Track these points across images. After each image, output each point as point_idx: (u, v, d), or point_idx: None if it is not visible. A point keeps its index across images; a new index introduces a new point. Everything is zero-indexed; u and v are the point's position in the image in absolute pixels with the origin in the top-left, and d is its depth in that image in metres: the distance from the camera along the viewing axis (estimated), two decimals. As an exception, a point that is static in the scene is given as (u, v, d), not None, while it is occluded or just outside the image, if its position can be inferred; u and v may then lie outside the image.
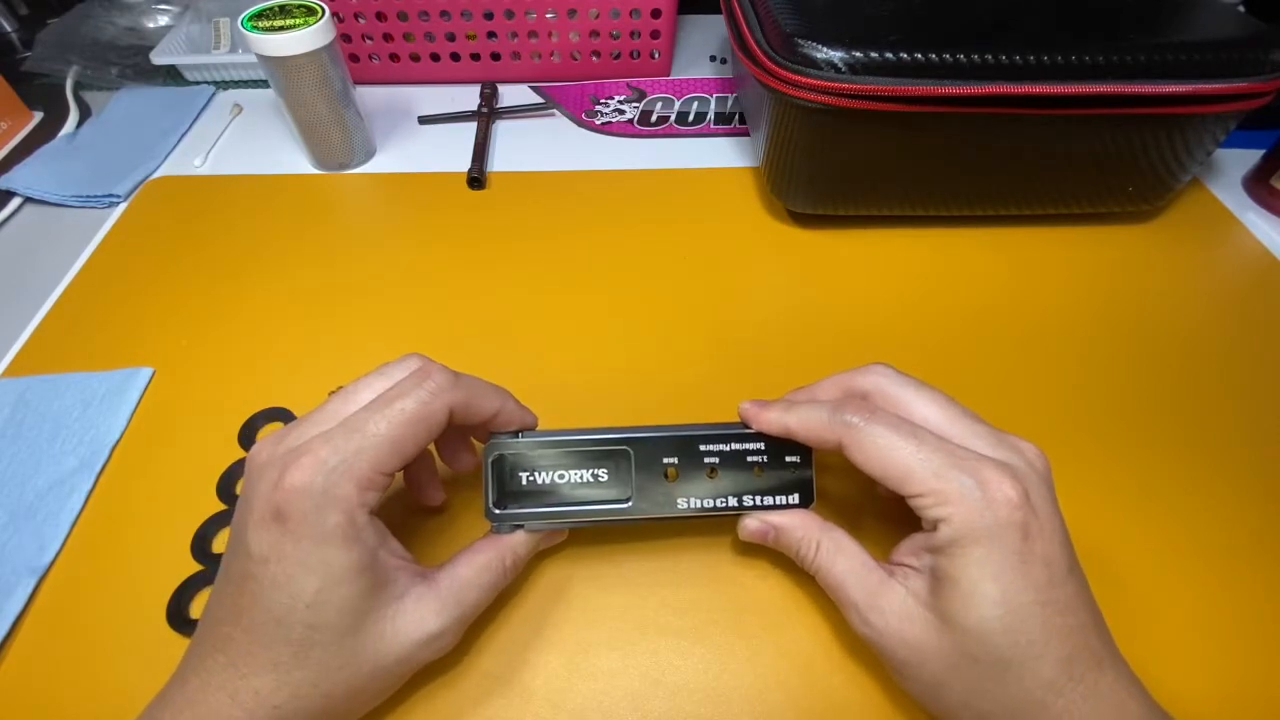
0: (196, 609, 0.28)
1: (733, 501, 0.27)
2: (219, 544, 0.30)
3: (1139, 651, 0.25)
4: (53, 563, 0.30)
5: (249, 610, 0.21)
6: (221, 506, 0.31)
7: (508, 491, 0.26)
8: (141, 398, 0.36)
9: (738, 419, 0.28)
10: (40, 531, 0.30)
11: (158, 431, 0.35)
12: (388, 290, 0.41)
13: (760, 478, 0.27)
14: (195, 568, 0.29)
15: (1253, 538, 0.31)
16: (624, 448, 0.26)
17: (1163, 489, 0.32)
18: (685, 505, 0.26)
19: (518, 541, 0.26)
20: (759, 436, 0.27)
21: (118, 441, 0.34)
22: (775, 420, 0.26)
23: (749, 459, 0.27)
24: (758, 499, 0.27)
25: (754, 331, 0.39)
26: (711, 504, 0.26)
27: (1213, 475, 0.33)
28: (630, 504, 0.26)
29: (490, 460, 0.26)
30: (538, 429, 0.28)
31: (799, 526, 0.26)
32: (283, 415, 0.35)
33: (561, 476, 0.26)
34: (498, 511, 0.26)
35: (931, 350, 0.38)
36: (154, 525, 0.31)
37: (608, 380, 0.36)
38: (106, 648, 0.28)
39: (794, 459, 0.27)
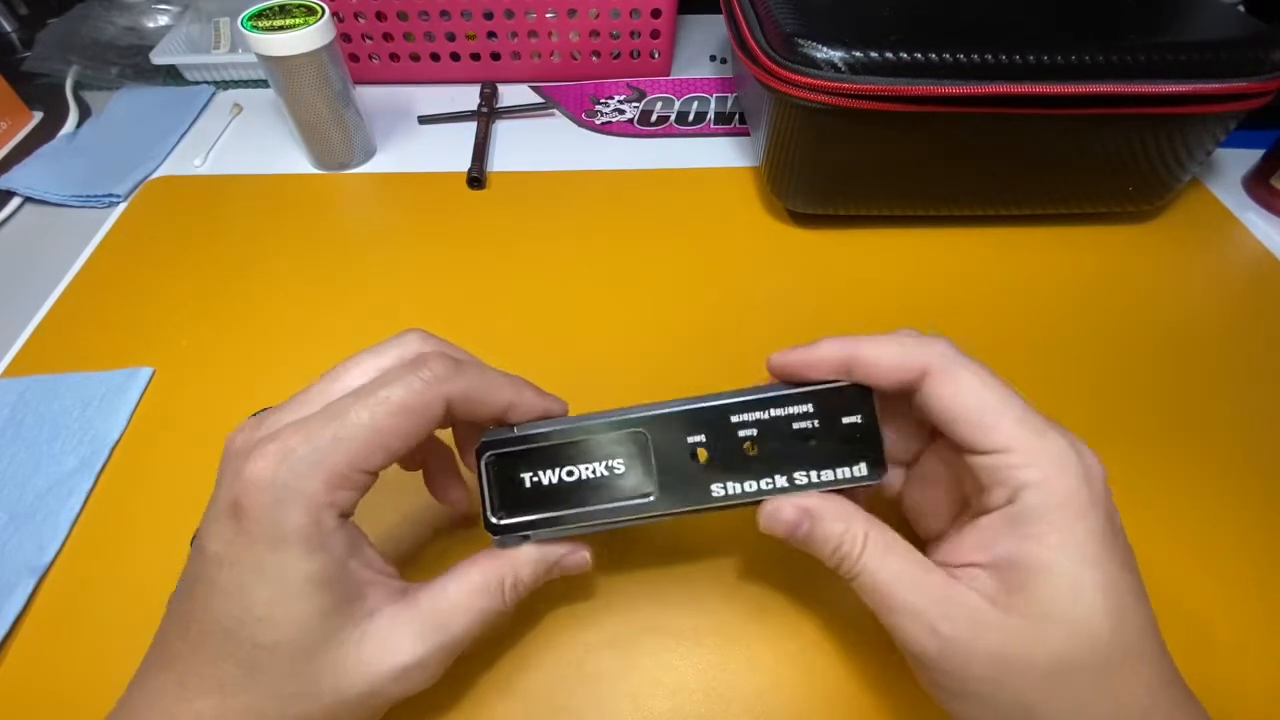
0: (196, 609, 0.28)
1: (781, 481, 0.22)
2: (219, 544, 0.30)
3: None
4: (52, 563, 0.30)
5: (198, 620, 0.19)
6: (221, 506, 0.31)
7: (509, 497, 0.22)
8: (141, 398, 0.36)
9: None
10: (40, 531, 0.30)
11: (158, 431, 0.35)
12: (387, 290, 0.41)
13: (813, 447, 0.22)
14: (195, 568, 0.29)
15: (1254, 537, 0.30)
16: (638, 429, 0.22)
17: (1162, 488, 0.32)
18: (722, 492, 0.22)
19: (522, 560, 0.22)
20: (804, 396, 0.22)
21: (117, 441, 0.34)
22: (835, 352, 0.22)
23: (795, 425, 0.22)
24: (814, 474, 0.22)
25: (754, 331, 0.39)
26: (755, 487, 0.22)
27: (1213, 474, 0.33)
28: (653, 498, 0.22)
29: (484, 461, 0.22)
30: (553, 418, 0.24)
31: (840, 516, 0.21)
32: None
33: (570, 474, 0.22)
34: (497, 521, 0.22)
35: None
36: (154, 525, 0.31)
37: (607, 380, 0.36)
38: (106, 648, 0.28)
39: (853, 419, 0.22)
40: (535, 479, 0.22)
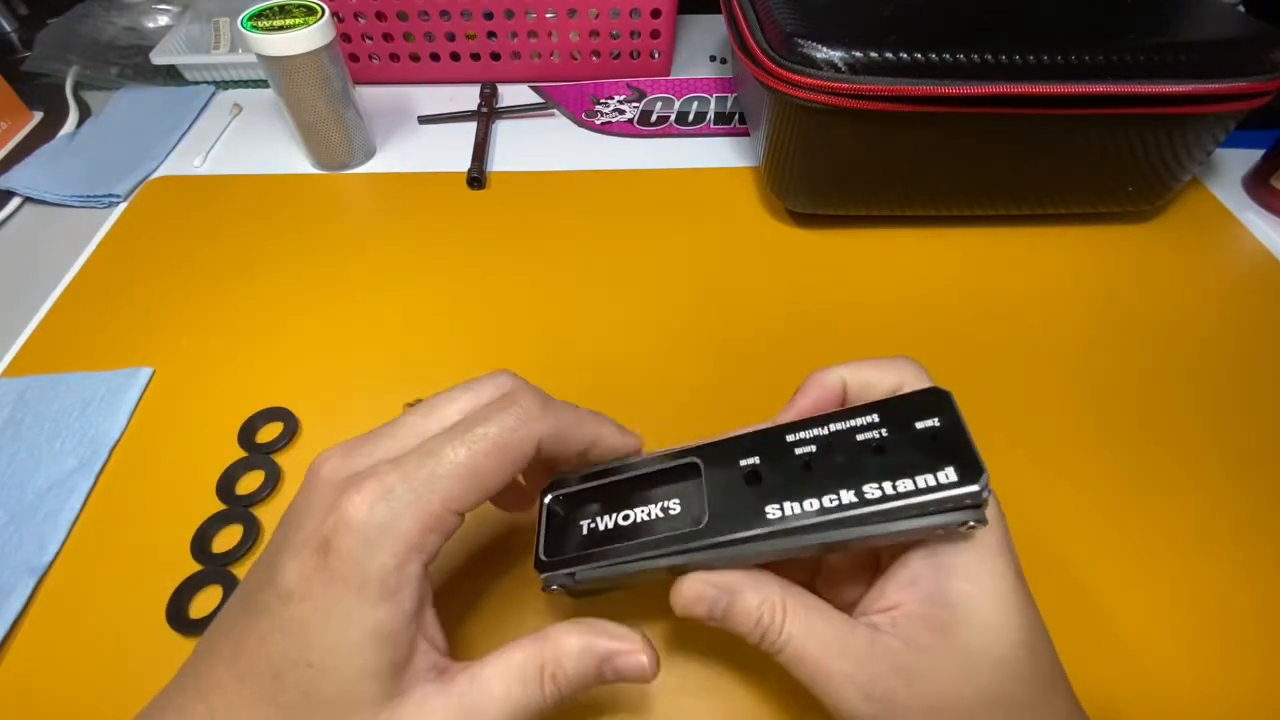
0: (196, 609, 0.28)
1: (848, 496, 0.18)
2: (219, 544, 0.30)
3: (1141, 650, 0.25)
4: (52, 563, 0.30)
5: (251, 653, 0.18)
6: (221, 506, 0.31)
7: (564, 541, 0.22)
8: (141, 398, 0.36)
9: (739, 421, 0.22)
10: (40, 531, 0.30)
11: (158, 431, 0.35)
12: (387, 289, 0.41)
13: (884, 458, 0.18)
14: (195, 568, 0.29)
15: (1255, 536, 0.30)
16: (691, 460, 0.21)
17: (1161, 488, 0.32)
18: (778, 513, 0.19)
19: (566, 649, 0.19)
20: (870, 408, 0.19)
21: (117, 441, 0.34)
22: (825, 386, 0.21)
23: (860, 437, 0.19)
24: (888, 485, 0.18)
25: (754, 331, 0.39)
26: (816, 505, 0.18)
27: (1212, 474, 0.33)
28: (704, 526, 0.20)
29: (547, 501, 0.22)
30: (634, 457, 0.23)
31: (756, 585, 0.20)
32: (283, 415, 0.35)
33: (626, 518, 0.21)
34: (545, 559, 0.22)
35: (931, 350, 0.38)
36: (154, 525, 0.31)
37: (607, 380, 0.36)
38: (106, 648, 0.28)
39: (929, 422, 0.18)
40: (593, 525, 0.22)
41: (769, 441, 0.20)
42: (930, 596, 0.19)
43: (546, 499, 0.22)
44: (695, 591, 0.20)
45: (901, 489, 0.18)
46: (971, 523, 0.18)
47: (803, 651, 0.19)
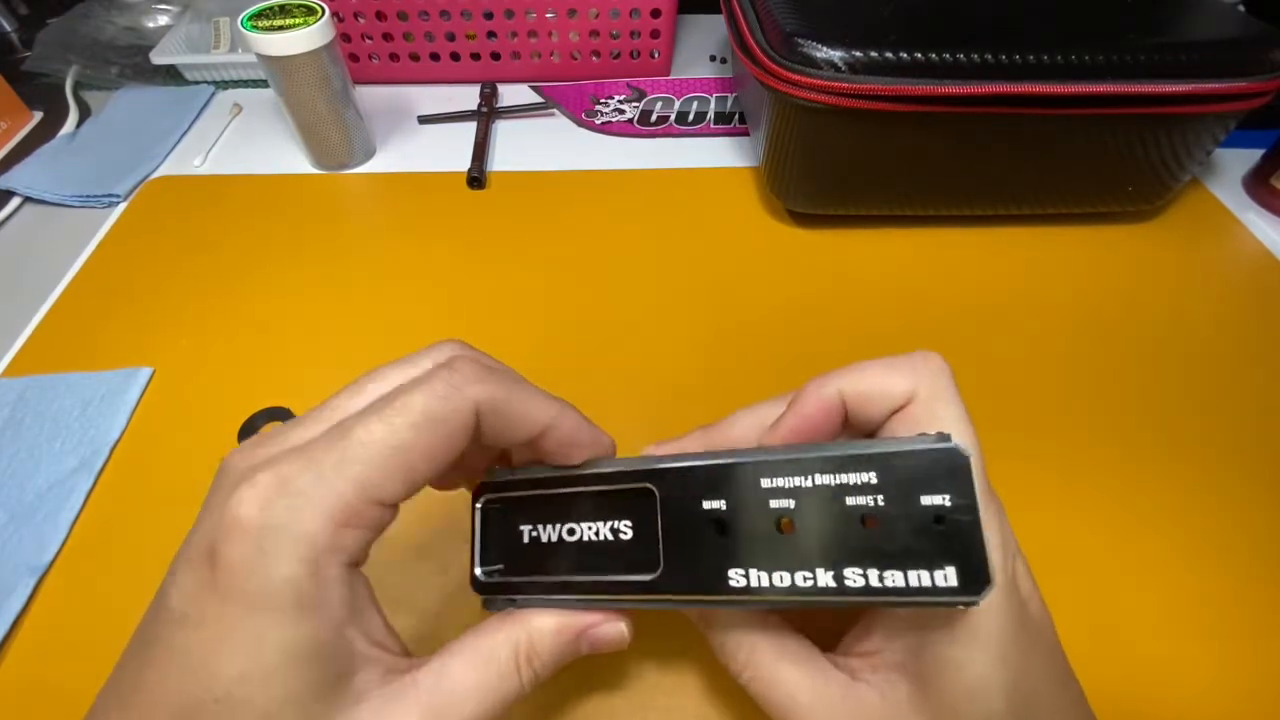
0: (196, 609, 0.28)
1: (825, 579, 0.15)
2: (219, 544, 0.30)
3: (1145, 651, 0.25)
4: (52, 562, 0.30)
5: (147, 692, 0.15)
6: (221, 506, 0.31)
7: (503, 550, 0.19)
8: (141, 398, 0.36)
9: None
10: (40, 531, 0.30)
11: (158, 431, 0.35)
12: (387, 289, 0.41)
13: (873, 535, 0.15)
14: (195, 568, 0.29)
15: (1255, 536, 0.30)
16: (645, 485, 0.18)
17: (1160, 488, 0.32)
18: (741, 583, 0.16)
19: (540, 628, 0.18)
20: (869, 460, 0.16)
21: (117, 441, 0.34)
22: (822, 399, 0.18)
23: (850, 500, 0.16)
24: (874, 574, 0.15)
25: (754, 331, 0.39)
26: (788, 582, 0.16)
27: (1212, 474, 0.33)
28: (654, 577, 0.17)
29: (480, 504, 0.19)
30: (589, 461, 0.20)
31: (722, 623, 0.19)
32: (283, 415, 0.35)
33: (571, 532, 0.18)
34: (483, 578, 0.19)
35: (931, 350, 0.38)
36: (153, 525, 0.31)
37: (607, 380, 0.36)
38: (106, 648, 0.27)
39: (937, 500, 0.15)
40: (534, 534, 0.19)
41: (740, 483, 0.17)
42: (913, 648, 0.17)
43: (480, 501, 0.19)
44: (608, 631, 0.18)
45: (889, 584, 0.15)
46: (961, 606, 0.15)
47: (770, 691, 0.18)
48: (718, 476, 0.17)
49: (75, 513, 0.31)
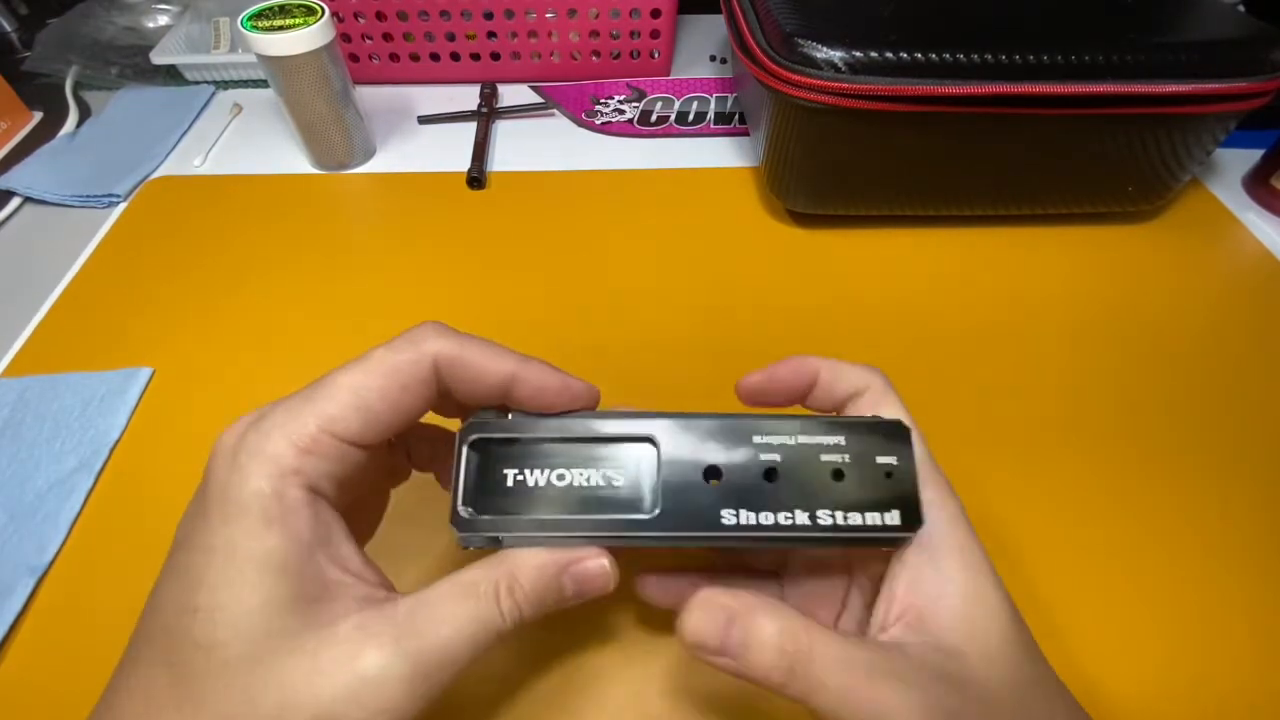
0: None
1: (802, 518, 0.19)
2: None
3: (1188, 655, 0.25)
4: (52, 563, 0.30)
5: (152, 604, 0.17)
6: (221, 506, 0.31)
7: (487, 492, 0.19)
8: (141, 398, 0.36)
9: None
10: (40, 531, 0.30)
11: (157, 431, 0.35)
12: (387, 289, 0.41)
13: (841, 485, 0.19)
14: (195, 568, 0.29)
15: (1257, 536, 0.30)
16: (647, 437, 0.20)
17: (1160, 488, 0.32)
18: (733, 521, 0.19)
19: (522, 562, 0.18)
20: (837, 426, 0.20)
21: (117, 441, 0.34)
22: (795, 370, 0.22)
23: (824, 458, 0.19)
24: (840, 515, 0.19)
25: (753, 331, 0.39)
26: (772, 520, 0.19)
27: (1212, 474, 0.33)
28: (653, 517, 0.19)
29: (466, 444, 0.19)
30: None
31: (770, 609, 0.18)
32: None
33: (561, 477, 0.19)
34: (465, 515, 0.19)
35: (931, 350, 0.38)
36: (154, 525, 0.31)
37: (607, 380, 0.36)
38: (106, 648, 0.27)
39: (888, 460, 0.19)
40: (520, 477, 0.19)
41: (735, 436, 0.20)
42: (928, 593, 0.19)
43: (467, 441, 0.19)
44: (704, 623, 0.18)
45: (851, 522, 0.19)
46: (903, 539, 0.20)
47: (824, 681, 0.17)
48: (714, 430, 0.20)
49: (75, 513, 0.31)
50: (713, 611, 0.18)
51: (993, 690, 0.18)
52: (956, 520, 0.20)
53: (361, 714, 0.16)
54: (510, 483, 0.19)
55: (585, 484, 0.19)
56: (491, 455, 0.19)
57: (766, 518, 0.19)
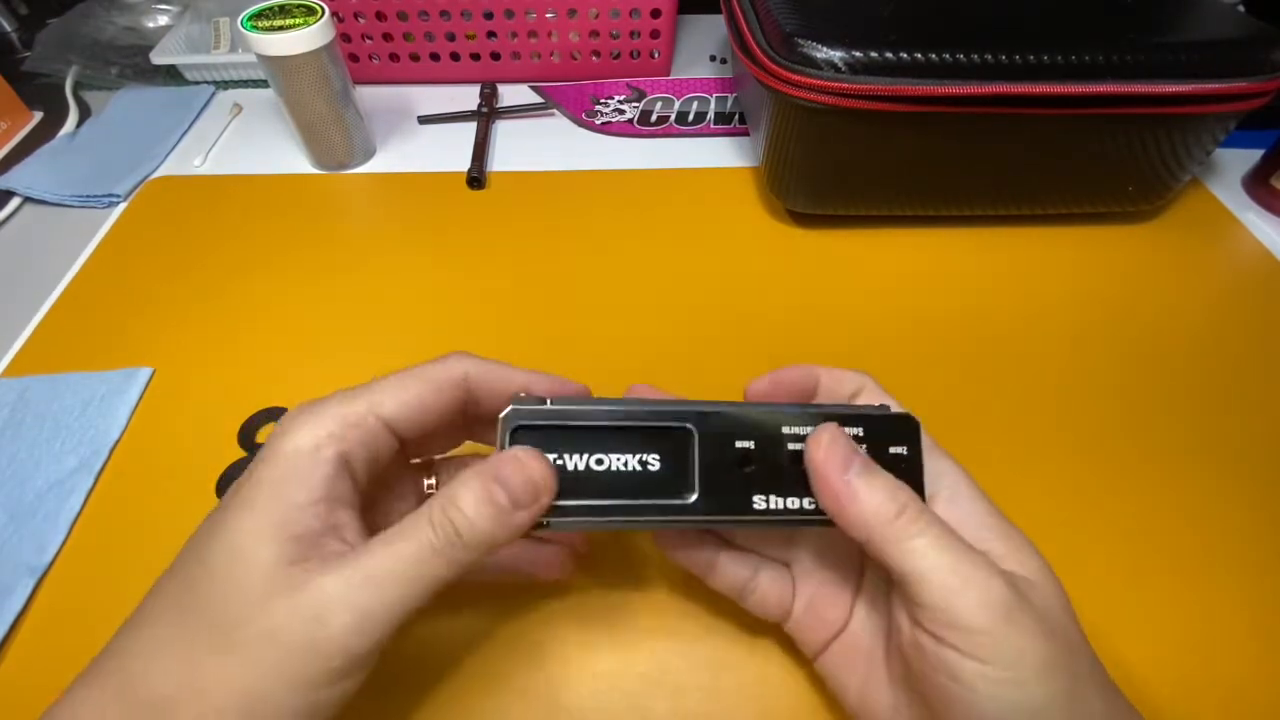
0: (196, 609, 0.28)
1: None
2: (219, 544, 0.30)
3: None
4: (52, 563, 0.30)
5: (185, 546, 0.20)
6: (221, 506, 0.31)
7: None
8: (141, 398, 0.36)
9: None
10: (40, 531, 0.30)
11: (157, 431, 0.35)
12: (387, 289, 0.41)
13: None
14: (195, 568, 0.29)
15: (1259, 536, 0.30)
16: (685, 425, 0.20)
17: (1160, 489, 0.32)
18: (764, 505, 0.20)
19: (460, 481, 0.19)
20: (856, 418, 0.21)
21: (117, 441, 0.34)
22: (799, 376, 0.24)
23: None
24: None
25: (753, 331, 0.39)
26: (798, 504, 0.21)
27: (1212, 475, 0.33)
28: (693, 501, 0.20)
29: (509, 431, 0.20)
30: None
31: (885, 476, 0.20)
32: (282, 415, 0.35)
33: (600, 462, 0.20)
34: None
35: (931, 350, 0.38)
36: (153, 525, 0.31)
37: (606, 380, 0.36)
38: (106, 648, 0.28)
39: (899, 449, 0.21)
40: (560, 462, 0.20)
41: (767, 428, 0.21)
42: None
43: (509, 429, 0.20)
44: (841, 445, 0.20)
45: None
46: None
47: (940, 540, 0.18)
48: (749, 421, 0.21)
49: (75, 513, 0.31)
50: (846, 439, 0.20)
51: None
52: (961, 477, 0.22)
53: (300, 628, 0.18)
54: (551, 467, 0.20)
55: (623, 468, 0.20)
56: (533, 441, 0.20)
57: (793, 502, 0.20)
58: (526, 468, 0.19)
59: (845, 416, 0.21)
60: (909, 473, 0.21)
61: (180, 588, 0.19)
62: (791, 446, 0.21)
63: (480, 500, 0.19)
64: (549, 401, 0.20)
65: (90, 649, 0.28)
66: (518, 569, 0.25)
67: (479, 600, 0.28)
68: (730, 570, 0.24)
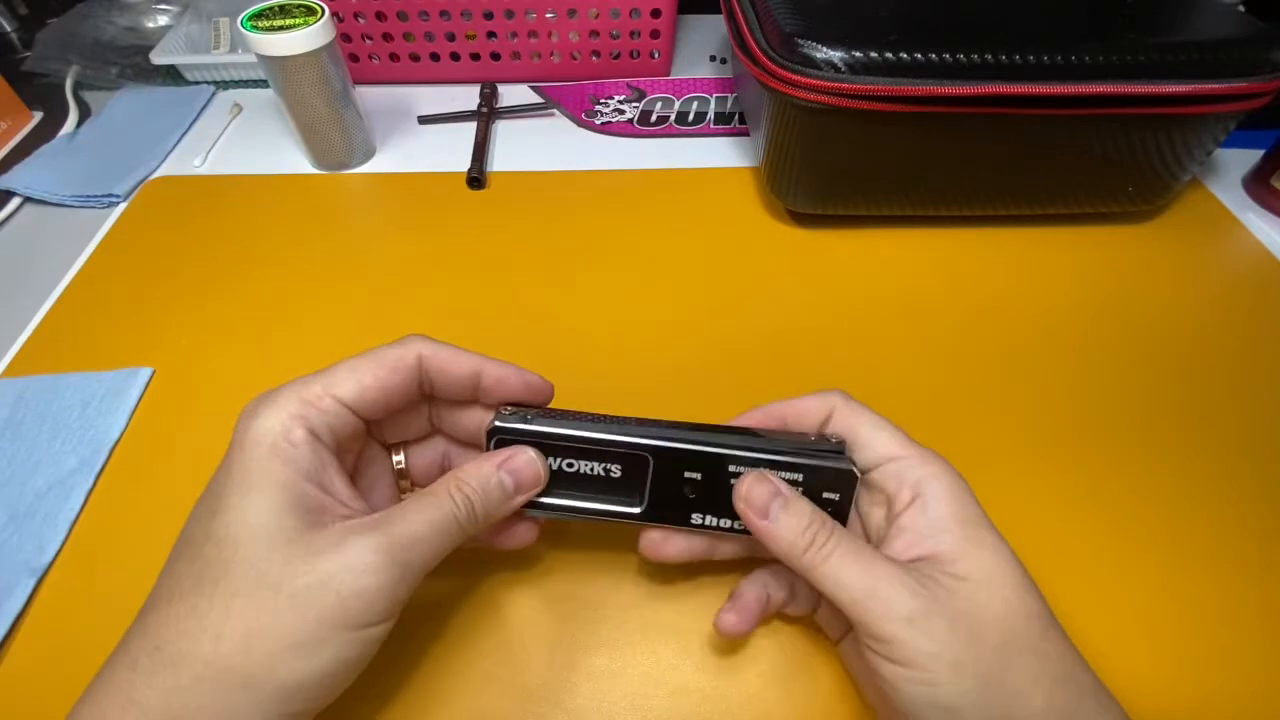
0: (196, 609, 0.28)
1: None
2: (219, 544, 0.30)
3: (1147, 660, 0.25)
4: (52, 563, 0.30)
5: (176, 543, 0.21)
6: (221, 506, 0.31)
7: None
8: (141, 398, 0.36)
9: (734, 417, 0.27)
10: (40, 531, 0.30)
11: (157, 431, 0.35)
12: (387, 289, 0.41)
13: None
14: (195, 568, 0.29)
15: (1260, 536, 0.30)
16: (643, 455, 0.24)
17: (1160, 490, 0.32)
18: (699, 521, 0.25)
19: (465, 468, 0.23)
20: (799, 466, 0.24)
21: (117, 441, 0.34)
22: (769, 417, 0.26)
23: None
24: None
25: (753, 331, 0.39)
26: (729, 525, 0.25)
27: (1212, 475, 0.33)
28: (639, 511, 0.25)
29: (493, 441, 0.24)
30: (551, 407, 0.26)
31: (803, 503, 0.23)
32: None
33: (570, 465, 0.25)
34: None
35: (930, 350, 0.38)
36: (153, 525, 0.31)
37: (606, 379, 0.36)
38: (106, 649, 0.27)
39: (832, 496, 0.24)
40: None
41: (712, 464, 0.24)
42: (946, 542, 0.22)
43: (494, 439, 0.24)
44: (759, 490, 0.23)
45: None
46: None
47: (841, 567, 0.21)
48: (701, 457, 0.24)
49: (75, 513, 0.31)
50: (767, 484, 0.23)
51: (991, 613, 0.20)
52: (946, 481, 0.23)
53: (351, 579, 0.19)
54: None
55: (589, 472, 0.25)
56: (515, 445, 0.24)
57: (725, 523, 0.25)
58: (534, 464, 0.24)
59: (790, 464, 0.24)
60: (835, 516, 0.24)
61: (197, 568, 0.20)
62: (734, 482, 0.24)
63: (496, 485, 0.23)
64: (530, 418, 0.24)
65: (90, 649, 0.28)
66: (489, 540, 0.27)
67: (479, 599, 0.28)
68: (728, 549, 0.27)
